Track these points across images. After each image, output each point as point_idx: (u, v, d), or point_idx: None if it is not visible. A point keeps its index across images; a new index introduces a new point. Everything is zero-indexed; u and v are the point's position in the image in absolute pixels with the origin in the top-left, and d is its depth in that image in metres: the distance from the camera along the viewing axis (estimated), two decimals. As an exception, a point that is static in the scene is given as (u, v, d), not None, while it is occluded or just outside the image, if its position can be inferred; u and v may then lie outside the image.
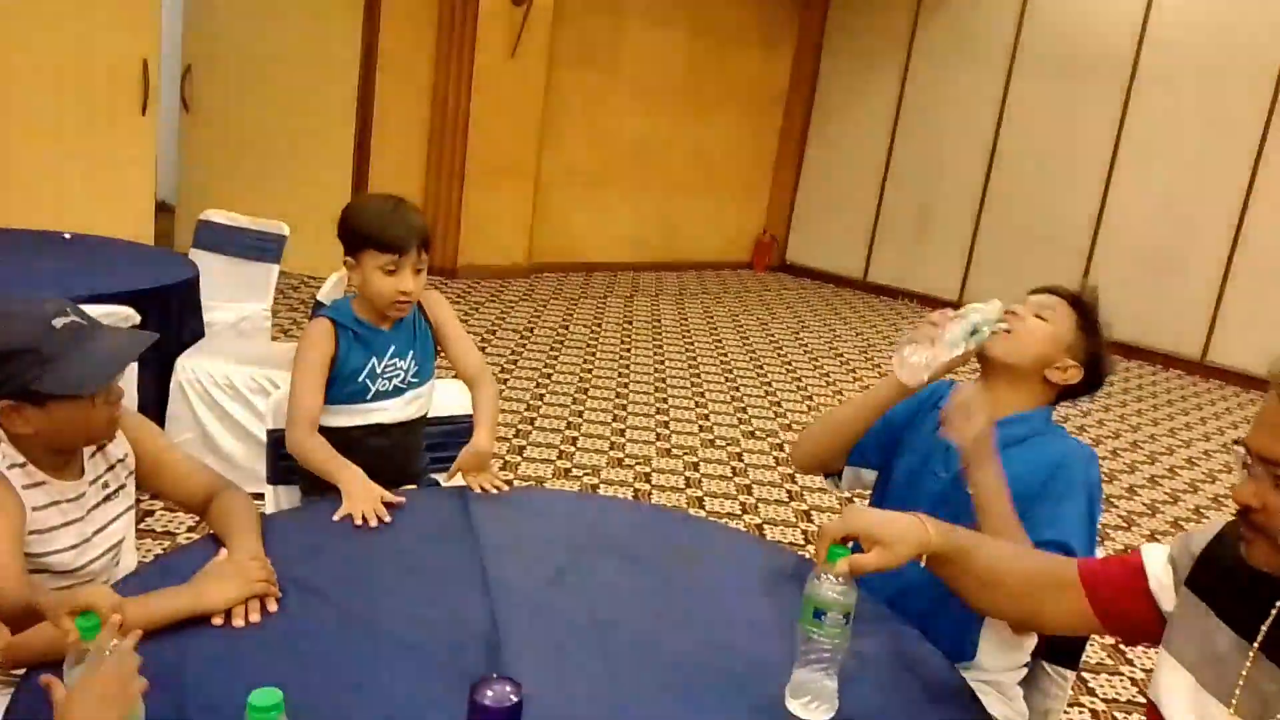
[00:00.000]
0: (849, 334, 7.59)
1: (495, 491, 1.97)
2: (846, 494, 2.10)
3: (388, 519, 1.79)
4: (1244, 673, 1.15)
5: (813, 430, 2.04)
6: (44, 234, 3.89)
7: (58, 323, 1.42)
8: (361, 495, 1.81)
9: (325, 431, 2.04)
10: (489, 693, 0.79)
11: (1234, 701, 1.15)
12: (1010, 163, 8.33)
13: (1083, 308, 1.87)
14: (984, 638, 1.76)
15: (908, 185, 9.02)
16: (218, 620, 1.36)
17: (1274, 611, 1.14)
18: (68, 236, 3.88)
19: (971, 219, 8.52)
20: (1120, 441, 5.57)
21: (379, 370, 2.10)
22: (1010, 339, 1.81)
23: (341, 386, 2.06)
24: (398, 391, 2.13)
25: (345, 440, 2.04)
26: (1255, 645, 1.15)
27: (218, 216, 4.24)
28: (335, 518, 1.77)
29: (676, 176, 9.09)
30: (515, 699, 0.79)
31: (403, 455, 2.19)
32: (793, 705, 1.29)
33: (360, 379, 2.07)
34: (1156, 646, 1.29)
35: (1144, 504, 4.63)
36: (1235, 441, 1.17)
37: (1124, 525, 4.34)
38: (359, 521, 1.76)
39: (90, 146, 5.23)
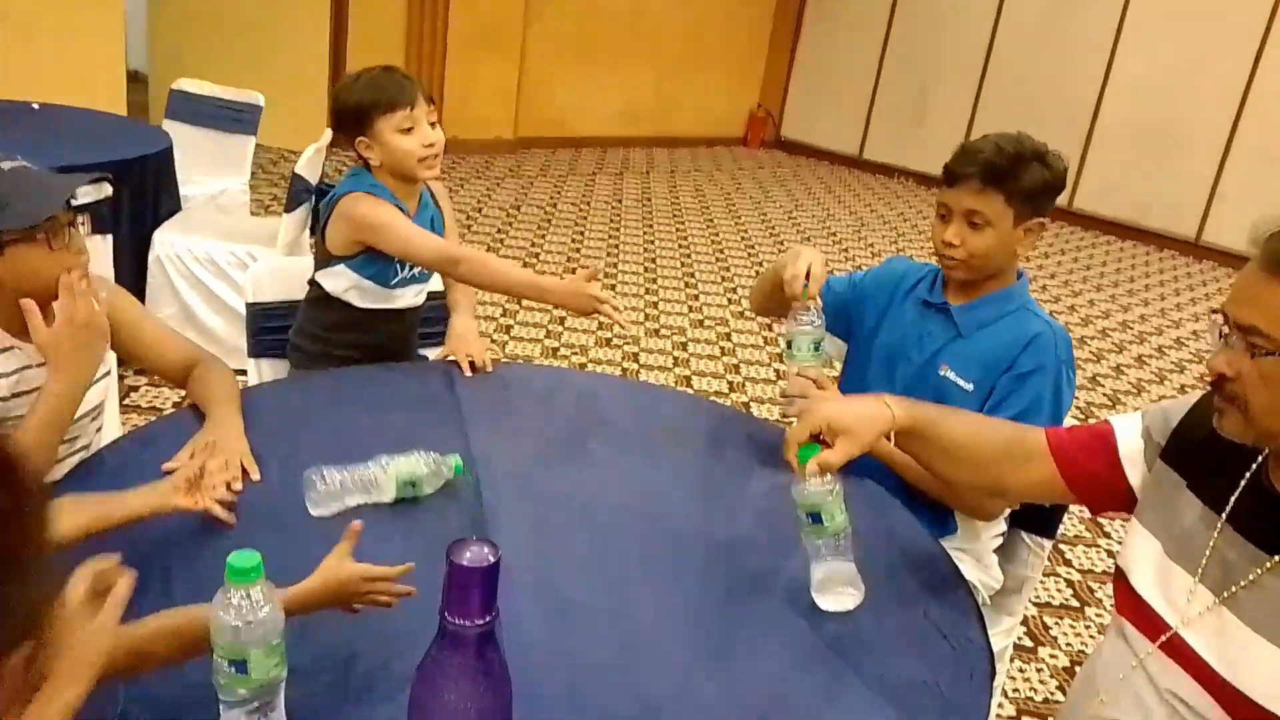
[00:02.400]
0: (843, 213, 7.49)
1: (483, 369, 1.95)
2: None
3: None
4: (1211, 543, 1.15)
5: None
6: (10, 104, 3.75)
7: (4, 166, 1.40)
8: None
9: (341, 306, 2.01)
10: (467, 553, 0.78)
11: (1200, 570, 1.15)
12: (1012, 38, 8.07)
13: (999, 174, 1.68)
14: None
15: (907, 61, 8.76)
16: (188, 504, 1.32)
17: (1243, 483, 1.14)
18: (36, 106, 3.74)
19: (971, 97, 8.31)
20: (1110, 321, 5.57)
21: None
22: (960, 265, 1.75)
23: (371, 262, 1.98)
24: (414, 280, 2.08)
25: (359, 319, 2.02)
26: (1223, 517, 1.15)
27: (191, 86, 4.09)
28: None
29: (669, 49, 8.79)
30: (493, 559, 0.77)
31: (407, 337, 2.17)
32: (823, 601, 1.29)
33: (395, 262, 2.00)
34: (1123, 515, 1.30)
35: (1130, 383, 4.66)
36: (1213, 310, 1.15)
37: (1109, 404, 4.37)
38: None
39: (56, 14, 5.00)
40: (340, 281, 2.00)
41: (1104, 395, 4.47)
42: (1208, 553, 1.15)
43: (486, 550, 0.80)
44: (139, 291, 3.24)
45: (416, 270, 2.06)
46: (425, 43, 7.20)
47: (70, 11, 5.03)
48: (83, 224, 1.50)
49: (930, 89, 8.57)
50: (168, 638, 0.96)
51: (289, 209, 3.27)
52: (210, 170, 3.94)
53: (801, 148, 9.62)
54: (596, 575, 1.36)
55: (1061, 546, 3.11)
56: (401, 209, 1.96)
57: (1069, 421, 1.81)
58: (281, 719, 0.94)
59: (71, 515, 1.14)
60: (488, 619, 0.80)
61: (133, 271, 3.21)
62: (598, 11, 8.27)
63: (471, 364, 1.95)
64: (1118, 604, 1.27)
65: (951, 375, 1.75)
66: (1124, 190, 7.61)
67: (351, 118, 1.95)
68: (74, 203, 1.47)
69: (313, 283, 2.05)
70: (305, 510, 1.39)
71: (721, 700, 1.14)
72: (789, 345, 1.72)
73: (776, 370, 4.29)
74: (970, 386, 1.73)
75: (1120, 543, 3.10)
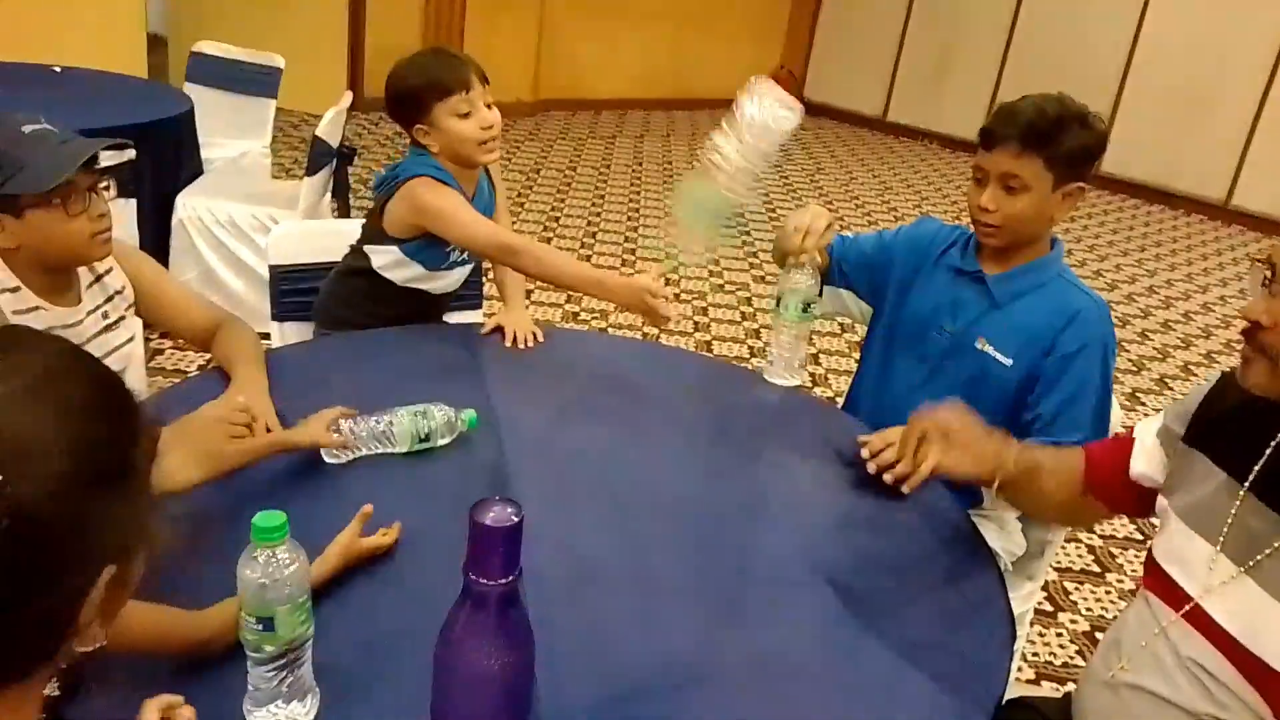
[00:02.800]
0: (866, 176, 7.41)
1: (531, 341, 1.94)
2: (830, 314, 2.09)
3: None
4: (1233, 513, 1.14)
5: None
6: (33, 67, 3.75)
7: (26, 129, 1.40)
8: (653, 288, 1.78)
9: (382, 281, 1.99)
10: (490, 513, 0.78)
11: (1221, 539, 1.14)
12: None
13: (1039, 136, 1.64)
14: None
15: (932, 20, 8.60)
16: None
17: (1268, 451, 1.13)
18: (58, 69, 3.75)
19: (997, 58, 8.16)
20: (1136, 286, 5.50)
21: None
22: (997, 231, 1.70)
23: (425, 247, 1.95)
24: (462, 263, 2.05)
25: (397, 294, 2.00)
26: (1245, 485, 1.14)
27: (211, 48, 4.08)
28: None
29: (689, 8, 8.67)
30: (516, 519, 0.78)
31: (439, 310, 2.15)
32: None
33: (450, 247, 1.97)
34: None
35: (1155, 348, 4.61)
36: (1255, 258, 1.12)
37: (1134, 370, 4.33)
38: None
39: (74, -26, 4.99)
40: (389, 259, 1.96)
41: (1129, 361, 4.42)
42: (1229, 522, 1.14)
43: (510, 510, 0.80)
44: (162, 254, 3.26)
45: (466, 254, 2.02)
46: (444, 7, 7.13)
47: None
48: (107, 188, 1.50)
49: (955, 49, 8.42)
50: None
51: (310, 172, 3.27)
52: (231, 133, 3.94)
53: (824, 109, 9.49)
54: (616, 535, 1.37)
55: (1083, 512, 3.10)
56: (462, 194, 1.92)
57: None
58: (308, 675, 0.95)
59: (182, 468, 1.18)
60: (511, 578, 0.81)
61: (156, 235, 3.22)
62: (616, -30, 8.15)
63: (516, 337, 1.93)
64: (1144, 575, 1.27)
65: (990, 349, 1.72)
66: (1153, 153, 7.48)
67: (407, 104, 1.90)
68: (97, 166, 1.48)
69: (356, 251, 2.01)
70: (327, 470, 1.41)
71: (741, 659, 1.15)
72: (778, 302, 1.75)
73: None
74: (1009, 361, 1.70)
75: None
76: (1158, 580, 1.22)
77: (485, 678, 0.82)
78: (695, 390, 1.88)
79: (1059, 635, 2.51)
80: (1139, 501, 1.31)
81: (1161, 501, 1.25)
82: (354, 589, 1.16)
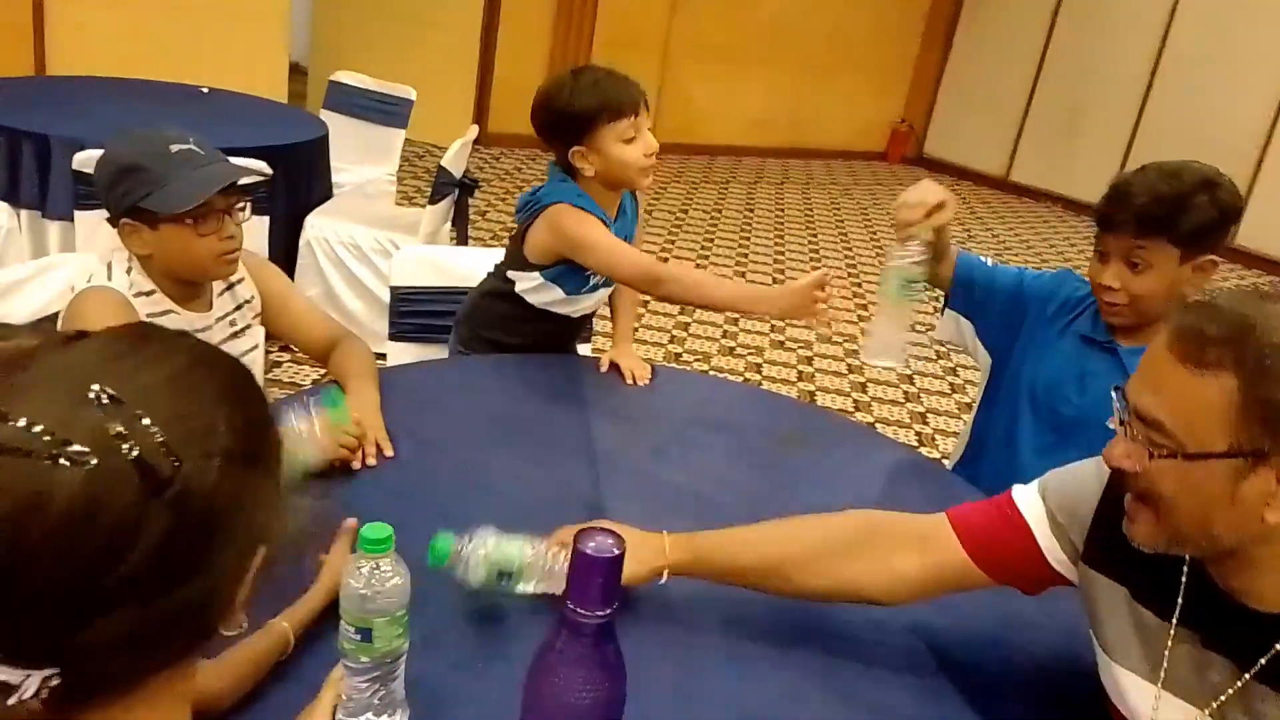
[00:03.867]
0: (985, 235, 7.24)
1: (645, 378, 1.93)
2: (942, 342, 2.01)
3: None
4: (1168, 649, 0.99)
5: None
6: (182, 87, 3.99)
7: (174, 148, 1.47)
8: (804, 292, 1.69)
9: (521, 303, 1.96)
10: (591, 543, 0.77)
11: (1161, 678, 1.00)
12: (1180, 59, 7.64)
13: (1162, 221, 1.54)
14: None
15: (1063, 78, 8.40)
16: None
17: (1183, 581, 0.98)
18: (205, 90, 3.97)
19: (1130, 119, 7.91)
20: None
21: None
22: (1123, 310, 1.63)
23: (566, 275, 1.91)
24: (602, 286, 2.00)
25: (533, 315, 1.97)
26: (1174, 621, 0.99)
27: (347, 78, 4.27)
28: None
29: (811, 57, 8.68)
30: (618, 551, 0.76)
31: (574, 334, 2.14)
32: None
33: (587, 274, 1.92)
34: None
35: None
36: (1115, 387, 0.95)
37: None
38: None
39: (228, 3, 5.31)
40: (531, 284, 1.93)
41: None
42: (1165, 657, 0.99)
43: (611, 541, 0.79)
44: (289, 271, 3.39)
45: (604, 279, 1.97)
46: (572, 41, 7.32)
47: (239, 3, 5.34)
48: (242, 208, 1.57)
49: (1086, 110, 8.20)
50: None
51: (433, 200, 3.37)
52: (361, 159, 4.10)
53: (945, 166, 9.35)
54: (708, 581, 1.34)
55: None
56: (604, 219, 1.86)
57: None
58: (400, 690, 0.96)
59: None
60: (609, 610, 0.79)
61: (285, 252, 3.36)
62: (742, 13, 8.20)
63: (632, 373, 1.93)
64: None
65: None
66: (1293, 227, 7.11)
67: (570, 124, 1.80)
68: (234, 189, 1.53)
69: (499, 275, 1.99)
70: (427, 491, 1.42)
71: (826, 716, 1.10)
72: (882, 281, 1.64)
73: (905, 392, 4.17)
74: None
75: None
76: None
77: (575, 709, 0.81)
78: (798, 437, 1.85)
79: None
80: (1047, 578, 1.14)
81: (1100, 653, 1.09)
82: (449, 609, 1.17)
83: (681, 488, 1.57)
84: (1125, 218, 1.57)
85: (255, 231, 3.01)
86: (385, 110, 4.19)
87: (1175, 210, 1.55)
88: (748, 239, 6.18)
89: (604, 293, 2.05)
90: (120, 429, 0.52)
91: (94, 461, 0.51)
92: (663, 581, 1.20)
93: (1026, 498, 1.14)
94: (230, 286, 1.65)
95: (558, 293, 1.94)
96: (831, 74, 8.86)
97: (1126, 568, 1.03)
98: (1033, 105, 8.63)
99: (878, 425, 3.84)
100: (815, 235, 6.55)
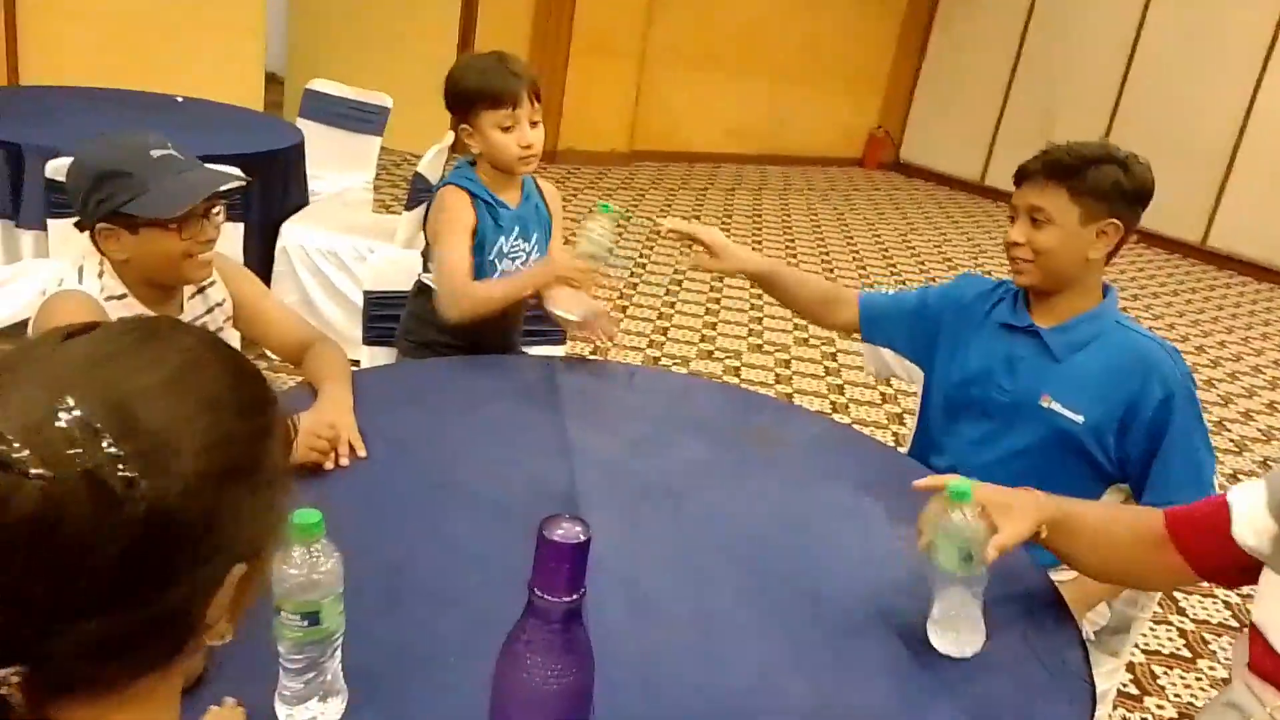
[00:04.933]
0: (960, 239, 7.30)
1: (606, 341, 2.04)
2: (872, 374, 2.06)
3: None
4: None
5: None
6: (157, 96, 3.98)
7: (155, 153, 1.47)
8: (564, 263, 1.92)
9: (432, 293, 2.03)
10: (559, 530, 0.78)
11: None
12: (1151, 65, 7.75)
13: (1063, 169, 1.65)
14: None
15: (1036, 82, 8.50)
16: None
17: None
18: (180, 100, 3.96)
19: (1104, 123, 8.01)
20: (1241, 365, 5.28)
21: (505, 249, 2.05)
22: (1028, 266, 1.69)
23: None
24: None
25: None
26: None
27: (323, 86, 4.27)
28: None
29: (787, 64, 8.74)
30: (584, 537, 0.77)
31: (509, 332, 2.18)
32: (940, 641, 1.21)
33: (489, 256, 2.01)
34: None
35: (1259, 430, 4.40)
36: None
37: (1235, 450, 4.14)
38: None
39: (203, 13, 5.29)
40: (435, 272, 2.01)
41: (1230, 440, 4.23)
42: None
43: (578, 528, 0.80)
44: (265, 279, 3.38)
45: (519, 263, 2.06)
46: (549, 48, 7.34)
47: (214, 12, 5.32)
48: (218, 213, 1.57)
49: (1060, 116, 8.29)
50: None
51: (409, 207, 3.37)
52: (337, 167, 4.10)
53: (921, 171, 9.44)
54: (681, 570, 1.36)
55: (1177, 594, 2.95)
56: (492, 200, 1.99)
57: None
58: (339, 674, 0.97)
59: None
60: (575, 596, 0.80)
61: (260, 259, 3.35)
62: (718, 20, 8.25)
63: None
64: (1250, 652, 1.19)
65: (1058, 407, 1.67)
66: (1260, 229, 7.21)
67: (457, 103, 1.98)
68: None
69: (426, 269, 2.09)
70: (400, 489, 1.43)
71: (802, 706, 1.11)
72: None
73: (882, 393, 4.20)
74: (1080, 418, 1.65)
75: (1239, 594, 2.93)
76: (1263, 655, 1.15)
77: (544, 695, 0.82)
78: (772, 433, 1.86)
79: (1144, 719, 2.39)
80: (1236, 566, 1.22)
81: (1268, 573, 1.18)
82: (416, 603, 1.17)
83: (656, 483, 1.58)
84: (1034, 168, 1.67)
85: (230, 239, 3.00)
86: (362, 118, 4.19)
87: (1080, 165, 1.63)
88: (726, 244, 6.20)
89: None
90: (77, 450, 0.52)
91: (50, 476, 0.52)
92: (1043, 535, 1.25)
93: (1243, 489, 1.23)
94: (202, 290, 1.65)
95: None
96: (808, 81, 8.92)
97: None
98: (1007, 110, 8.72)
99: (855, 426, 3.86)
100: (793, 240, 6.59)
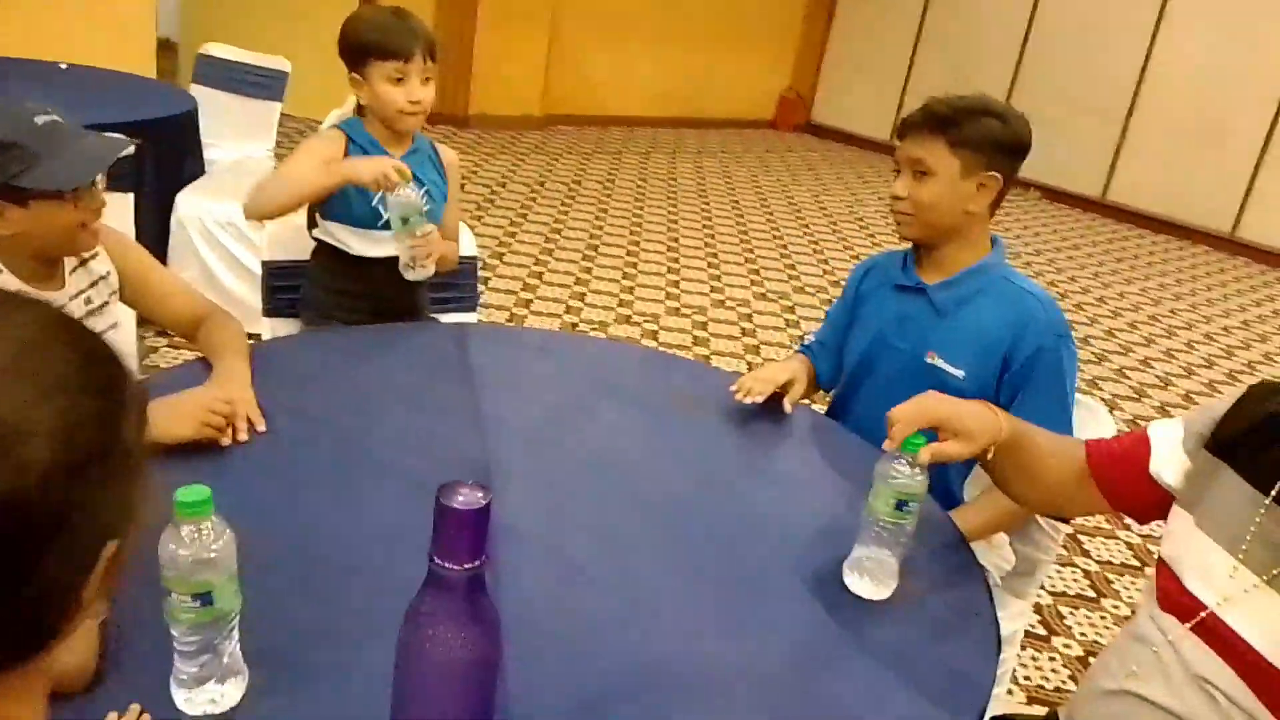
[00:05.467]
0: (872, 199, 7.41)
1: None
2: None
3: (396, 176, 1.84)
4: (1256, 523, 1.12)
5: None
6: (39, 64, 3.76)
7: (39, 120, 1.39)
8: (374, 162, 1.86)
9: (331, 252, 2.03)
10: (458, 496, 0.76)
11: (1243, 550, 1.12)
12: (1051, 24, 7.94)
13: (941, 121, 1.67)
14: (966, 489, 1.75)
15: (942, 46, 8.64)
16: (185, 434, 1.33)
17: None
18: (63, 67, 3.75)
19: (1006, 83, 8.19)
20: (1140, 315, 5.48)
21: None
22: (910, 219, 1.72)
23: (349, 205, 1.99)
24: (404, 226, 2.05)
25: (350, 264, 2.02)
26: (1270, 497, 1.11)
27: (218, 51, 4.10)
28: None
29: (701, 27, 8.71)
30: (484, 501, 0.75)
31: (409, 288, 2.13)
32: (853, 581, 1.25)
33: (373, 202, 1.98)
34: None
35: (1157, 376, 4.59)
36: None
37: (1135, 397, 4.30)
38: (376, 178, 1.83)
39: (87, -25, 5.02)
40: (328, 227, 2.01)
41: (1129, 388, 4.40)
42: (1251, 531, 1.12)
43: (479, 493, 0.78)
44: (161, 252, 3.25)
45: (394, 218, 2.03)
46: (456, 14, 7.17)
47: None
48: (101, 181, 1.49)
49: (965, 74, 8.43)
50: None
51: (311, 174, 3.26)
52: (236, 135, 3.94)
53: (832, 132, 9.53)
54: (602, 537, 1.35)
55: (1080, 537, 3.06)
56: (374, 147, 1.99)
57: (1080, 400, 1.78)
58: (238, 653, 0.94)
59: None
60: (477, 563, 0.78)
61: (155, 232, 3.21)
62: (630, -14, 8.18)
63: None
64: (1158, 587, 1.23)
65: (940, 362, 1.69)
66: (1159, 183, 7.48)
67: (350, 52, 1.97)
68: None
69: (314, 238, 2.06)
70: (306, 465, 1.39)
71: (723, 667, 1.12)
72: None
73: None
74: (961, 373, 1.68)
75: (1140, 535, 3.06)
76: (1168, 589, 1.19)
77: (448, 666, 0.80)
78: (690, 397, 1.86)
79: (1052, 660, 2.47)
80: (1151, 501, 1.27)
81: (1179, 512, 1.22)
82: (317, 576, 1.14)
83: (575, 451, 1.56)
84: (915, 120, 1.69)
85: (120, 210, 2.85)
86: (260, 84, 4.04)
87: (958, 116, 1.66)
88: (641, 208, 6.19)
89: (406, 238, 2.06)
90: None
91: None
92: (988, 457, 1.29)
93: (1162, 426, 1.28)
94: (84, 262, 1.57)
95: (345, 229, 2.01)
96: (721, 45, 8.91)
97: (1241, 450, 1.17)
98: (913, 70, 8.84)
99: (773, 386, 3.90)
100: (708, 202, 6.60)
